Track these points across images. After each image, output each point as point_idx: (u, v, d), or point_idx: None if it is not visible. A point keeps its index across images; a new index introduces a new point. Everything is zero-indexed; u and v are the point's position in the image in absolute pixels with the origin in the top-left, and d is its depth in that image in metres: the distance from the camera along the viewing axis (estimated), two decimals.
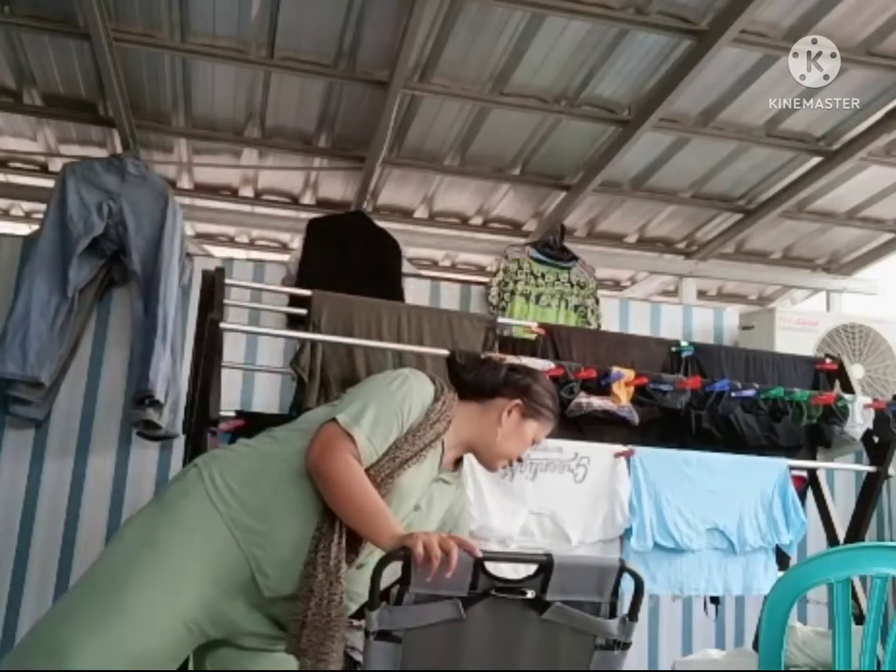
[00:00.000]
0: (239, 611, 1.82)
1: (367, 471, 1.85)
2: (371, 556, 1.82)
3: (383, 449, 1.89)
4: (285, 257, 4.67)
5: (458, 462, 2.15)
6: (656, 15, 3.23)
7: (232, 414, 3.10)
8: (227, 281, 2.96)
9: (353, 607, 1.90)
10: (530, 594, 1.66)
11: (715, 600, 3.29)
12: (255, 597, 1.81)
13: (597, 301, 4.67)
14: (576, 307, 4.62)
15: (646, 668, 4.27)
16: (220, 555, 1.79)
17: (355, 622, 2.33)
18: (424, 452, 1.94)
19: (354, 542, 1.83)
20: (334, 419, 1.87)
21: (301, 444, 1.88)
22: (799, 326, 4.47)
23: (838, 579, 1.93)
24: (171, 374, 3.90)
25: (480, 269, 5.70)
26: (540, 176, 4.56)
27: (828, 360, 3.70)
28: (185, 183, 4.80)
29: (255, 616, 1.83)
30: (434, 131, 4.19)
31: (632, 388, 3.12)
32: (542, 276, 4.60)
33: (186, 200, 4.71)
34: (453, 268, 5.76)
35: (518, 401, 2.12)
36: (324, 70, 3.68)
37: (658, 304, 5.01)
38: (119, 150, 4.18)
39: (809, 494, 3.52)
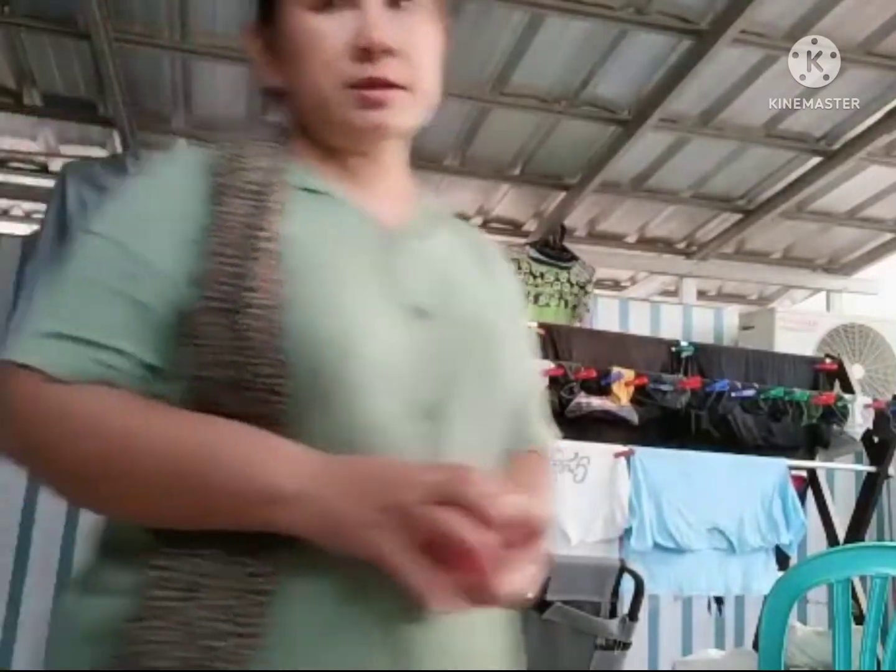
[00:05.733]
0: None
1: None
2: None
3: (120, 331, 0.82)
4: None
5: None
6: (656, 15, 3.23)
7: None
8: None
9: None
10: (530, 594, 1.66)
11: (719, 600, 3.29)
12: None
13: (587, 293, 4.64)
14: (574, 307, 4.62)
15: (646, 668, 4.27)
16: None
17: None
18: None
19: None
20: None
21: None
22: (799, 326, 4.46)
23: (838, 579, 1.93)
24: None
25: None
26: (540, 176, 4.55)
27: (828, 360, 3.71)
28: None
29: None
30: (434, 131, 4.17)
31: (632, 388, 3.12)
32: (542, 275, 4.60)
33: None
34: None
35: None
36: None
37: (658, 304, 5.01)
38: (119, 150, 4.18)
39: (809, 494, 3.52)
